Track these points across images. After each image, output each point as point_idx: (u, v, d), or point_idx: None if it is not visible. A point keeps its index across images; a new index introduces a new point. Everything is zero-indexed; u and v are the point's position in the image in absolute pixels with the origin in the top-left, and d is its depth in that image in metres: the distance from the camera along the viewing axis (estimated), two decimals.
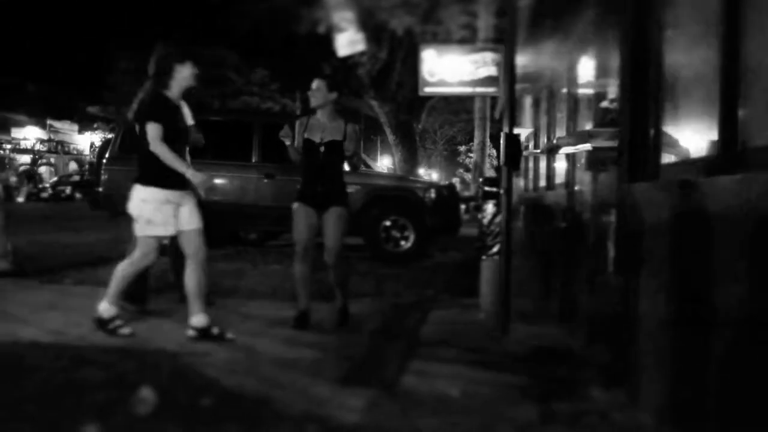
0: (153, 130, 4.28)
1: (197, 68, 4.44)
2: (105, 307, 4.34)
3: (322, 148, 4.93)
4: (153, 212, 4.29)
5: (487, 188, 5.42)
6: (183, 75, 4.41)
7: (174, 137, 4.36)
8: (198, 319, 4.32)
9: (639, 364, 3.18)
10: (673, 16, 3.39)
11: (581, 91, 6.38)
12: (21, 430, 2.76)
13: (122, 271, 4.41)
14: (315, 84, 5.04)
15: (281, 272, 5.43)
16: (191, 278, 4.38)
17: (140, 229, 4.36)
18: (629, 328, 3.31)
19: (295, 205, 4.97)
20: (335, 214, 4.87)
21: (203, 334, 4.28)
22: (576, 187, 6.01)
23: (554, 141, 9.40)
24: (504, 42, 4.39)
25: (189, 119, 5.39)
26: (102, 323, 4.30)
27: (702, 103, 3.00)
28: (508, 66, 4.20)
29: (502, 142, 4.22)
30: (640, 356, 3.18)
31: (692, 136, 3.23)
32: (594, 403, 3.25)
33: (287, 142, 4.96)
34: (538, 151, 10.39)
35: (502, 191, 4.48)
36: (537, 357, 4.04)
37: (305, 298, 4.89)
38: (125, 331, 4.32)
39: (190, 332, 4.31)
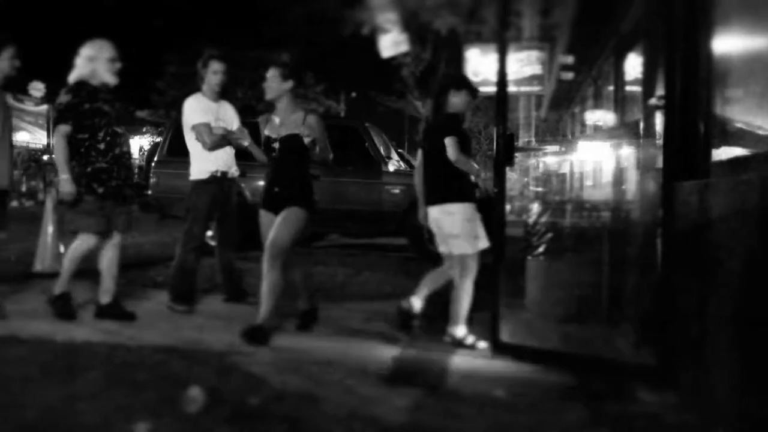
0: (455, 144, 4.24)
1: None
2: (457, 330, 4.40)
3: (277, 144, 4.47)
4: (478, 227, 4.38)
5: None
6: (457, 100, 4.41)
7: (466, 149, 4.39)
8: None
9: (691, 365, 3.12)
10: (722, 8, 3.32)
11: (628, 88, 6.29)
12: (73, 427, 2.83)
13: (460, 292, 4.43)
14: (269, 73, 4.54)
15: (326, 273, 5.44)
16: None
17: (469, 247, 4.36)
18: (680, 330, 3.25)
19: (260, 213, 4.58)
20: (282, 215, 4.37)
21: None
22: (623, 186, 5.92)
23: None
24: (497, 41, 4.31)
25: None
26: (460, 343, 4.35)
27: (752, 99, 2.92)
28: (501, 64, 4.13)
29: (495, 140, 4.16)
30: (692, 358, 3.11)
31: (745, 133, 3.16)
32: (643, 405, 3.20)
33: (245, 144, 4.65)
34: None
35: (496, 190, 4.37)
36: (584, 357, 3.99)
37: (302, 298, 4.80)
38: (482, 344, 4.31)
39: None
